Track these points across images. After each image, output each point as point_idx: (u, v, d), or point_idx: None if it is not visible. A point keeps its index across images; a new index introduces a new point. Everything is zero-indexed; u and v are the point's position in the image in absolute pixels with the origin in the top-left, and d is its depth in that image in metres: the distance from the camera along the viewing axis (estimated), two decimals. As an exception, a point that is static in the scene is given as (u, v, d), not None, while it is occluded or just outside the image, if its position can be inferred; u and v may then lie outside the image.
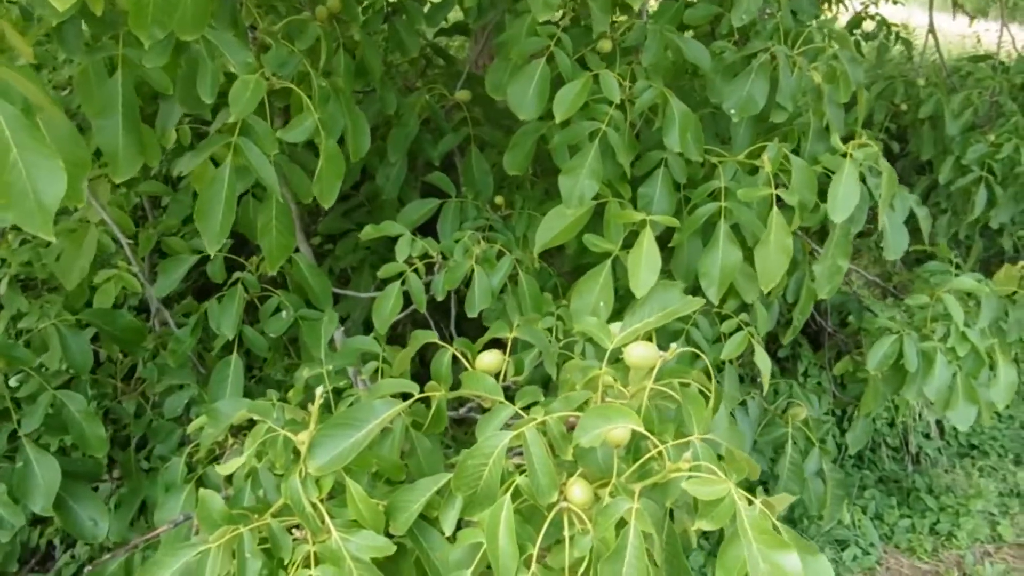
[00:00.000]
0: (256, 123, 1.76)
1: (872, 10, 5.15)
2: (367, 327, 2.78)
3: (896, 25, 4.96)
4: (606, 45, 2.28)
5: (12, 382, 2.05)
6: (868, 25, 4.87)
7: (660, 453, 1.18)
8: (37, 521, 3.02)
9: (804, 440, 2.54)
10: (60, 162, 1.23)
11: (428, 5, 2.88)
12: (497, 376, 1.39)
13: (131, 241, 2.48)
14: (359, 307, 2.68)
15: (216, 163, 1.88)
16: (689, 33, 2.60)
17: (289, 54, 1.88)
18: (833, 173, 2.30)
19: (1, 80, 1.23)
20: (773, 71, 2.34)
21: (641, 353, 1.24)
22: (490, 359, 1.45)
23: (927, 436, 3.73)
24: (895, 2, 6.12)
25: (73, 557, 3.11)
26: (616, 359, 1.34)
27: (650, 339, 1.31)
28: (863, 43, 4.69)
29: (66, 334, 2.11)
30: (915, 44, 5.30)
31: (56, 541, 3.18)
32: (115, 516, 2.16)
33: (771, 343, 3.15)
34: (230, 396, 1.99)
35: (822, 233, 2.74)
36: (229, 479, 1.70)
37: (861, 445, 2.91)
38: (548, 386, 2.04)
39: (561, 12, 2.20)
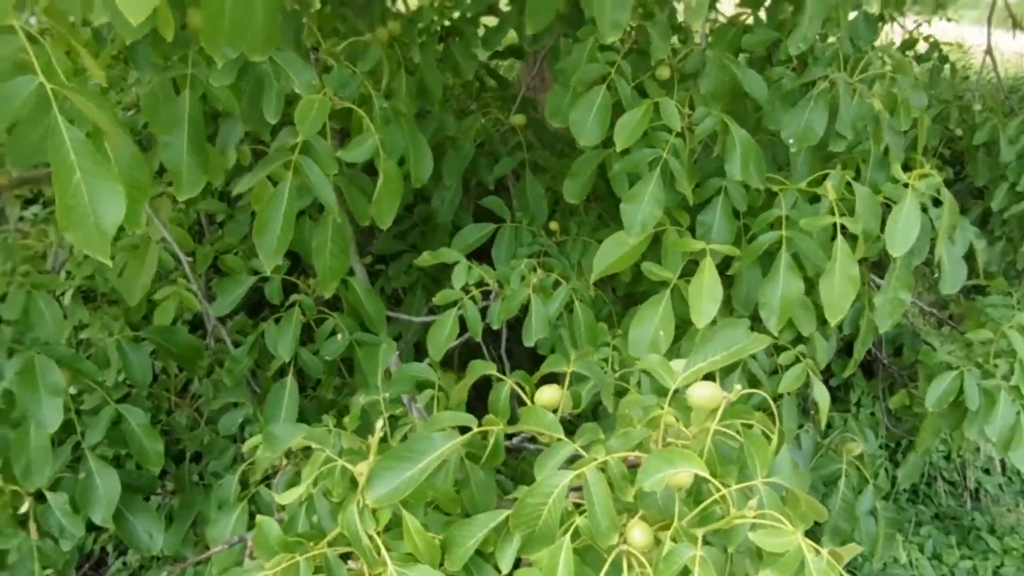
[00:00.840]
0: (317, 142, 1.77)
1: (924, 29, 5.04)
2: (418, 349, 2.78)
3: (949, 44, 4.82)
4: (665, 72, 2.26)
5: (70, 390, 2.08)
6: (919, 44, 4.76)
7: (723, 497, 1.14)
8: (91, 527, 3.08)
9: (857, 476, 2.47)
10: (121, 188, 1.24)
11: (482, 28, 2.89)
12: (554, 410, 1.37)
13: (190, 258, 2.52)
14: (411, 329, 2.68)
15: (274, 182, 1.89)
16: (744, 56, 2.56)
17: (351, 75, 1.88)
18: (894, 203, 2.23)
19: (72, 106, 1.24)
20: (832, 98, 2.29)
21: (704, 394, 1.21)
22: (549, 394, 1.42)
23: (987, 472, 3.59)
24: (948, 19, 5.98)
25: (125, 564, 3.16)
26: (676, 394, 1.31)
27: (713, 378, 1.27)
28: (916, 65, 4.57)
29: (128, 350, 2.13)
30: (972, 64, 5.15)
31: (109, 547, 3.23)
32: (169, 530, 2.18)
33: (823, 371, 3.07)
34: (285, 418, 1.99)
35: (877, 262, 2.67)
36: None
37: (913, 480, 2.82)
38: (597, 411, 2.02)
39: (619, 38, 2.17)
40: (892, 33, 5.53)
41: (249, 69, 1.68)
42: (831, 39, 2.54)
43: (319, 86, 1.71)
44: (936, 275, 2.61)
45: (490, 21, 2.92)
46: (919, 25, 5.30)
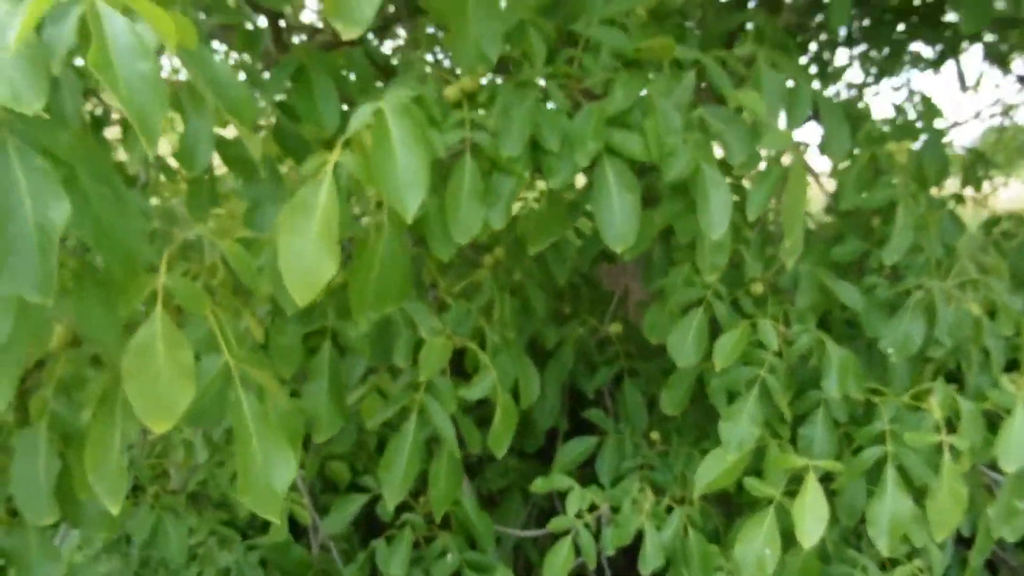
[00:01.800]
0: (438, 381, 1.93)
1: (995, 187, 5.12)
2: (516, 554, 2.83)
3: (1024, 209, 4.87)
4: (758, 288, 2.39)
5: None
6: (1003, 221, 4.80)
7: None
8: None
9: None
10: (292, 453, 1.39)
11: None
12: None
13: (300, 469, 2.66)
14: (509, 538, 2.74)
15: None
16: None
17: (466, 313, 2.07)
18: (1004, 411, 2.26)
19: (243, 371, 1.42)
20: (928, 306, 2.37)
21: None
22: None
23: None
24: (1024, 180, 6.08)
25: None
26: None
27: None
28: (1003, 242, 4.61)
29: (244, 567, 2.24)
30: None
31: None
32: None
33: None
34: (398, 642, 2.04)
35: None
36: None
37: None
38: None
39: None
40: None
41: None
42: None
43: (441, 328, 1.89)
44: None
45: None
46: (995, 190, 5.42)
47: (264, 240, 1.60)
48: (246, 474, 1.38)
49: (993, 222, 4.49)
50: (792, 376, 2.36)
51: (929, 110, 2.87)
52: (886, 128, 2.70)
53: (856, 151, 2.53)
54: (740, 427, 2.15)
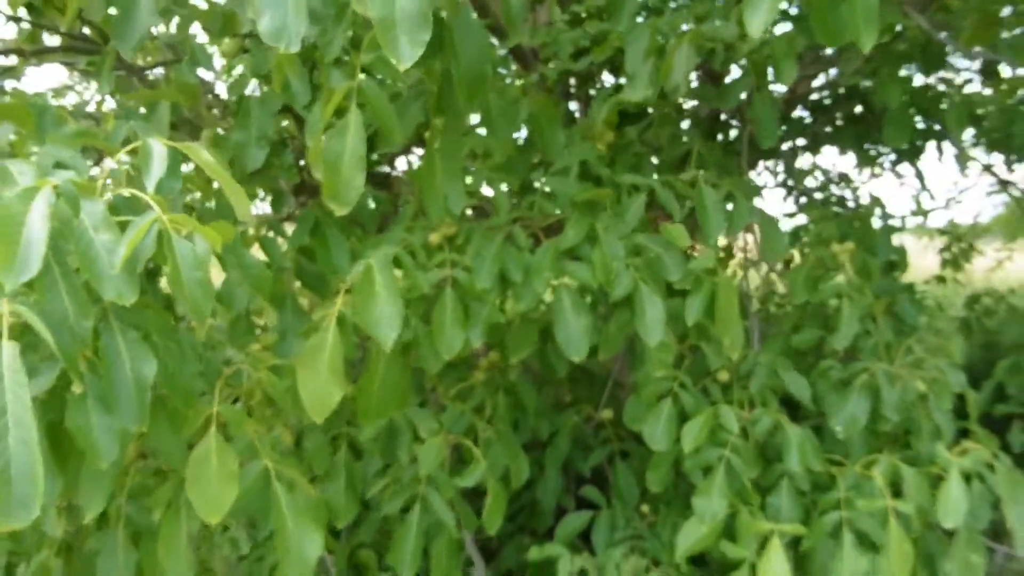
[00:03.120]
0: (437, 474, 2.37)
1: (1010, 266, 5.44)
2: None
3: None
4: (725, 375, 2.82)
5: None
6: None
7: None
8: None
9: None
10: (319, 535, 1.85)
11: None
12: None
13: (330, 554, 3.10)
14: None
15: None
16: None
17: (461, 414, 2.53)
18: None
19: (279, 471, 1.89)
20: (874, 386, 2.77)
21: None
22: None
23: None
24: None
25: None
26: None
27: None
28: (984, 320, 4.90)
29: None
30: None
31: None
32: None
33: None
34: None
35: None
36: None
37: None
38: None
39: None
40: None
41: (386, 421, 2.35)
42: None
43: (438, 429, 2.35)
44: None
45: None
46: (1000, 263, 5.77)
47: (289, 367, 2.09)
48: (284, 550, 1.84)
49: (974, 299, 4.85)
50: (761, 451, 2.76)
51: (879, 206, 3.33)
52: (837, 223, 3.15)
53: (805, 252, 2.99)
54: (711, 501, 2.55)
